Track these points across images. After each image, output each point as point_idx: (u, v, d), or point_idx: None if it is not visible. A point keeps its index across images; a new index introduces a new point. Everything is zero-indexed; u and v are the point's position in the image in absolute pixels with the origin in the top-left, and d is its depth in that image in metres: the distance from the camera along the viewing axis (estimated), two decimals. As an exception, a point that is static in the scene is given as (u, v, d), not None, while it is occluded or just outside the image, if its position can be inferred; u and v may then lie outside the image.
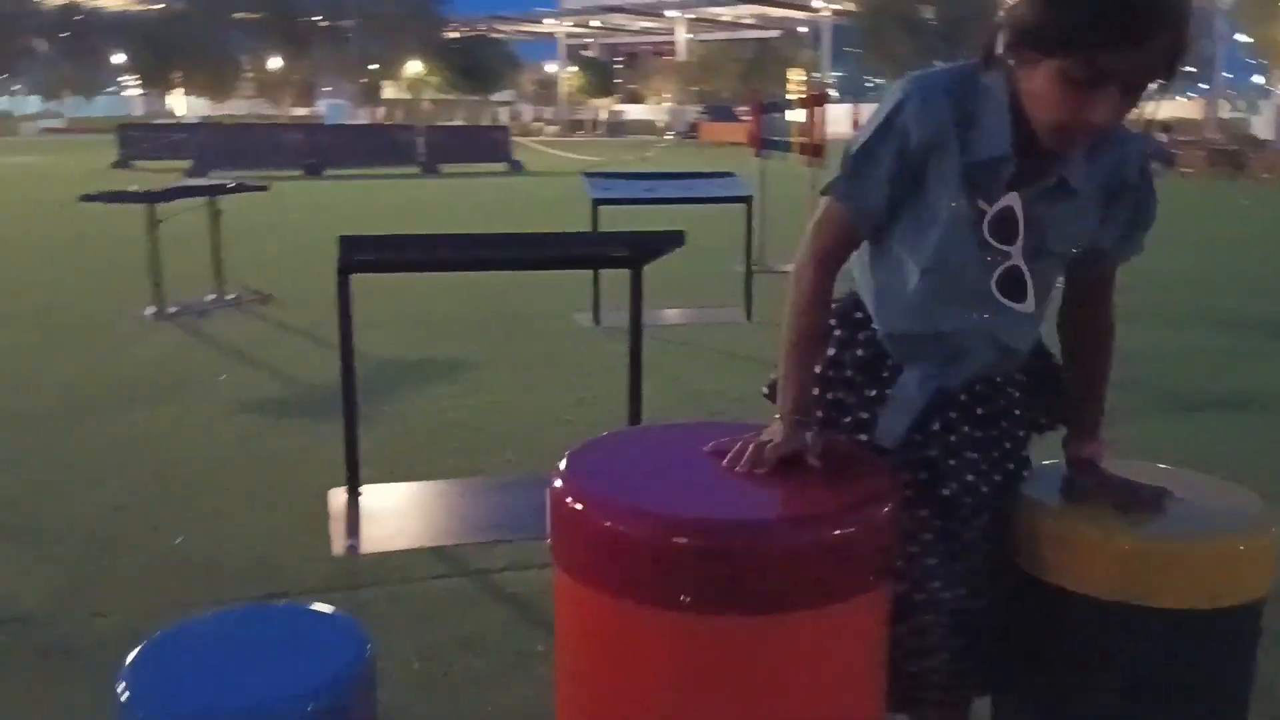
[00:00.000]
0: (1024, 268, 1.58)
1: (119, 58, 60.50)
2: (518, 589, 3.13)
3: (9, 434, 4.69)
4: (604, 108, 71.16)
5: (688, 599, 1.30)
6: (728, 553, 1.31)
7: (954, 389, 1.66)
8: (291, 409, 5.12)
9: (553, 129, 61.82)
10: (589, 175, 7.50)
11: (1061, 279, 1.72)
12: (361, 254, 3.69)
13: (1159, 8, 1.36)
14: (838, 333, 1.72)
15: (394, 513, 3.74)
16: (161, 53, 55.80)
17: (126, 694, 1.33)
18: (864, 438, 1.67)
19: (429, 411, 5.02)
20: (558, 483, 1.47)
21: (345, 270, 3.60)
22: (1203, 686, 1.59)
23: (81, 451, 4.43)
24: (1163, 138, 28.75)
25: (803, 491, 1.46)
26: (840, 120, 27.87)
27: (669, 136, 48.65)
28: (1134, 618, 1.54)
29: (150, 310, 7.16)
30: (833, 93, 36.52)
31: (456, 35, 64.73)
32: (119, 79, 66.73)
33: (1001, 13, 1.49)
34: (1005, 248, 1.57)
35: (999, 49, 1.49)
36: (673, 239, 3.77)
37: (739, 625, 1.32)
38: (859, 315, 1.72)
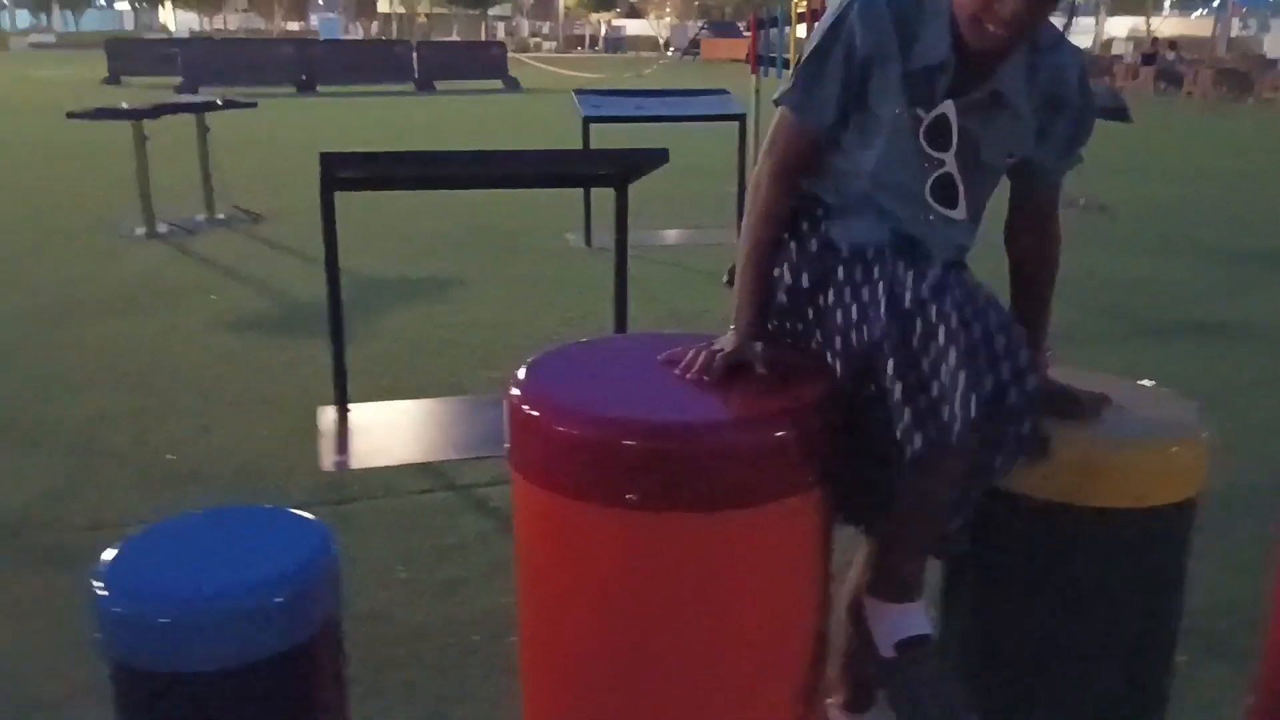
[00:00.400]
0: (956, 175, 1.62)
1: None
2: (500, 503, 3.21)
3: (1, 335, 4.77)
4: (603, 23, 69.87)
5: (633, 497, 1.37)
6: (670, 453, 1.37)
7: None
8: (279, 325, 5.17)
9: (550, 45, 60.76)
10: (580, 93, 7.44)
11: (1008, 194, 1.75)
12: (345, 171, 3.70)
13: None
14: (804, 224, 1.71)
15: (381, 429, 3.81)
16: (150, -36, 54.60)
17: (102, 589, 1.40)
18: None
19: (416, 329, 5.07)
20: (515, 390, 1.53)
21: (329, 187, 3.61)
22: (1135, 584, 1.67)
23: (71, 358, 4.50)
24: (1169, 56, 28.33)
25: (745, 397, 1.52)
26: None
27: (670, 53, 47.90)
28: (1067, 517, 1.61)
29: (140, 229, 7.16)
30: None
31: (452, -54, 63.21)
32: (108, -8, 65.44)
33: None
34: (940, 155, 1.61)
35: None
36: (656, 156, 3.77)
37: (681, 522, 1.39)
38: (819, 212, 1.72)
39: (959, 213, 1.65)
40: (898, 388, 1.48)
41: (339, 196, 3.67)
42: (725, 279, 1.79)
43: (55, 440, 3.63)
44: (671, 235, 7.37)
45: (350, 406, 3.85)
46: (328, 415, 3.84)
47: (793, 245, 1.71)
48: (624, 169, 3.94)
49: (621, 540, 1.42)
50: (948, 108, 1.58)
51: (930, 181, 1.63)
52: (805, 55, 1.62)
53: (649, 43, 58.51)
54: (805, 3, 10.27)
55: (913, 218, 1.66)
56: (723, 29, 48.21)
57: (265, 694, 1.42)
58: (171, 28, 59.99)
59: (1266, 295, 6.26)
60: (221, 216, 7.68)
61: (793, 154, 1.68)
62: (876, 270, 1.58)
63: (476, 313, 5.39)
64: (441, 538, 2.98)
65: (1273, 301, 6.10)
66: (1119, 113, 7.98)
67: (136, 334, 4.88)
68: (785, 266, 1.70)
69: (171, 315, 5.22)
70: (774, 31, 10.81)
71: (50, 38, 56.47)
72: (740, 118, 7.52)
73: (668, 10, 66.91)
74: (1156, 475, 1.61)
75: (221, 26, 58.12)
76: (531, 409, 1.47)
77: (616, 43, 62.24)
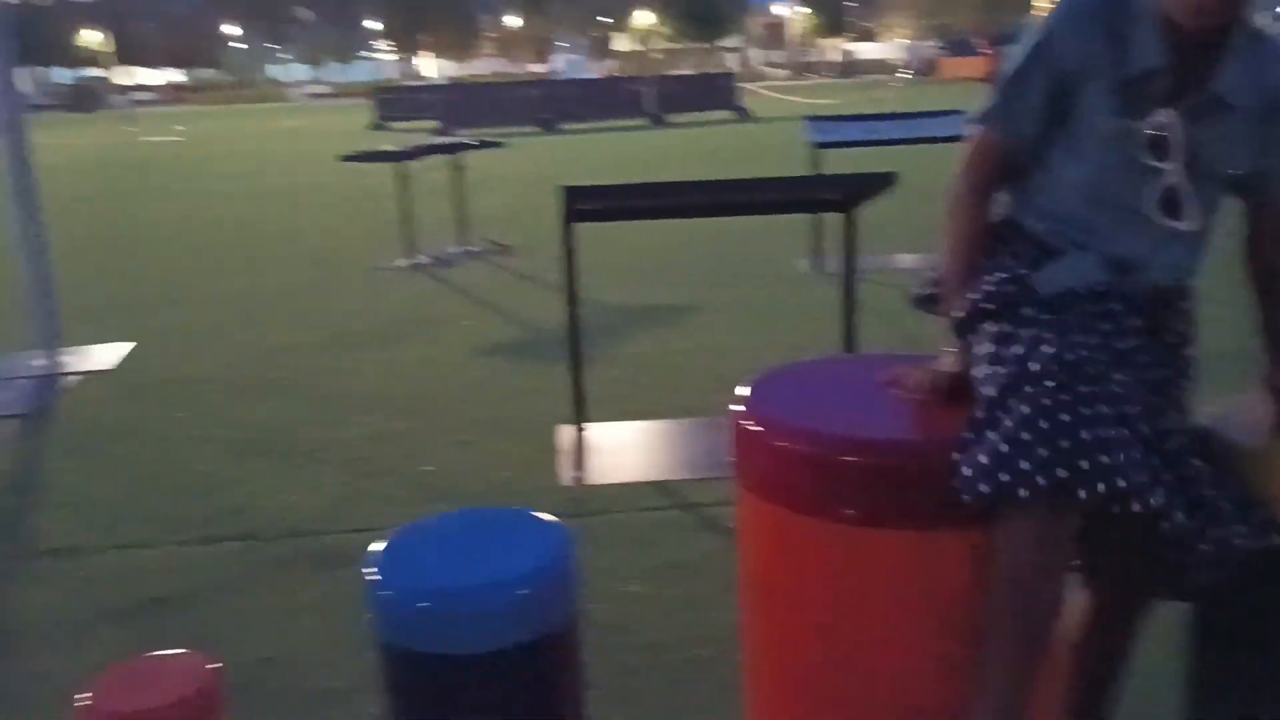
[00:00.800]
0: (1182, 186, 1.56)
1: (374, 24, 64.65)
2: (730, 522, 3.28)
3: (284, 364, 5.35)
4: (835, 48, 69.33)
5: (852, 512, 1.42)
6: (886, 470, 1.42)
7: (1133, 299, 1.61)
8: (525, 350, 5.51)
9: (782, 73, 60.87)
10: (810, 119, 7.49)
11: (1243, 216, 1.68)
12: (583, 203, 3.93)
13: None
14: (1000, 254, 1.68)
15: (616, 448, 3.99)
16: (411, 18, 59.22)
17: (374, 575, 1.60)
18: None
19: (651, 353, 5.26)
20: (739, 406, 1.62)
21: (568, 219, 3.85)
22: None
23: (346, 383, 4.99)
24: None
25: (962, 417, 1.53)
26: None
27: (904, 75, 46.94)
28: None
29: (403, 261, 7.81)
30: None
31: (685, -18, 64.65)
32: (373, 44, 71.37)
33: None
34: (1162, 165, 1.55)
35: None
36: (882, 181, 3.77)
37: (897, 538, 1.43)
38: (1019, 246, 1.68)
39: (1188, 224, 1.58)
40: (986, 436, 1.43)
41: (580, 228, 3.90)
42: (921, 292, 1.79)
43: (334, 456, 4.04)
44: (906, 259, 7.25)
45: (587, 426, 4.06)
46: (566, 434, 4.07)
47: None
48: (849, 194, 3.97)
49: (838, 554, 1.48)
50: (1168, 116, 1.53)
51: (1153, 194, 1.57)
52: (1010, 69, 1.62)
53: (882, 66, 57.51)
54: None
55: (1130, 235, 1.60)
56: (960, 48, 46.73)
57: (512, 678, 1.57)
58: (431, 75, 64.69)
59: None
60: (475, 249, 8.24)
61: (995, 172, 1.67)
62: (1028, 329, 1.52)
63: (708, 337, 5.53)
64: (674, 554, 3.09)
65: None
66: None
67: (402, 360, 5.34)
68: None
69: (431, 342, 5.67)
70: (1013, 48, 10.45)
71: (325, 88, 62.00)
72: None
73: (902, 32, 65.57)
74: None
75: (476, 72, 62.02)
76: (754, 425, 1.56)
77: (848, 67, 61.54)
